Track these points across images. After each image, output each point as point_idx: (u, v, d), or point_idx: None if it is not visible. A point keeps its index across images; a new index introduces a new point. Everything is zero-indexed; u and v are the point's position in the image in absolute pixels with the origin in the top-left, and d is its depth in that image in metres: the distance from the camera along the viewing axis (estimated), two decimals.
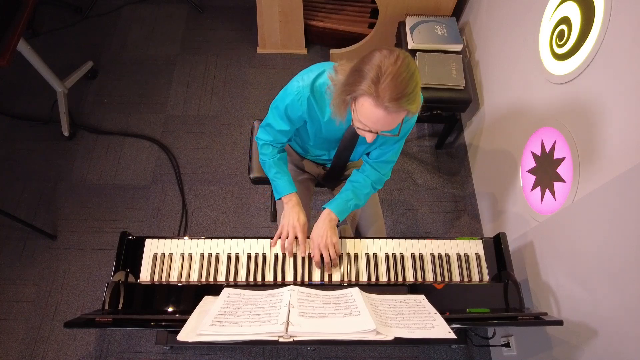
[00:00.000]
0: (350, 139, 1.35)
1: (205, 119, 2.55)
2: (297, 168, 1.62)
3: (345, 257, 1.38)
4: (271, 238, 1.40)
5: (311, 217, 1.51)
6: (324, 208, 1.39)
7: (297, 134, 1.47)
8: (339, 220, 1.38)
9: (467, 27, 2.36)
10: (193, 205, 2.29)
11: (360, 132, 1.13)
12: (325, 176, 1.62)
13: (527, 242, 1.61)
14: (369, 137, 1.12)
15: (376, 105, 0.99)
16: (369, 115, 1.03)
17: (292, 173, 1.61)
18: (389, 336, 0.98)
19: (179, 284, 1.30)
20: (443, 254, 1.39)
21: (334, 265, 1.35)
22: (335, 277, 1.35)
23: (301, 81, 1.21)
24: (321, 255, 1.34)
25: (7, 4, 1.97)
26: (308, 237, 1.39)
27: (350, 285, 1.23)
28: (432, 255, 1.39)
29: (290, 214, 1.37)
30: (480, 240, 1.42)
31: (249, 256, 1.37)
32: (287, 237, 1.36)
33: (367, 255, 1.38)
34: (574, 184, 1.39)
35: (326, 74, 1.18)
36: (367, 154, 1.45)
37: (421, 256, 1.39)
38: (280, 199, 1.42)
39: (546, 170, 1.56)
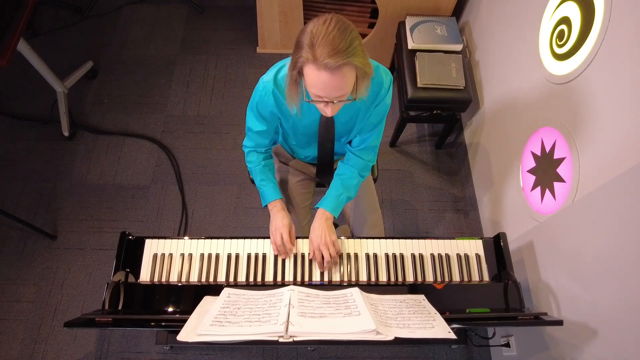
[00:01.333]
0: (326, 129, 1.35)
1: (205, 119, 2.55)
2: (294, 170, 1.63)
3: (345, 257, 1.38)
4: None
5: (313, 217, 1.51)
6: (317, 208, 1.40)
7: (282, 136, 1.48)
8: (334, 217, 1.39)
9: (467, 27, 2.36)
10: (193, 205, 2.29)
11: (318, 107, 1.14)
12: (317, 173, 1.62)
13: (527, 242, 1.61)
14: (328, 111, 1.12)
15: (317, 67, 0.99)
16: (315, 81, 1.03)
17: (291, 175, 1.61)
18: (389, 336, 0.98)
19: (179, 284, 1.30)
20: (443, 254, 1.39)
21: (335, 263, 1.35)
22: (335, 277, 1.35)
23: (265, 77, 1.24)
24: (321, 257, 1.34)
25: (7, 4, 1.97)
26: (306, 238, 1.39)
27: (350, 285, 1.23)
28: (432, 255, 1.39)
29: (275, 219, 1.38)
30: (480, 240, 1.42)
31: (249, 256, 1.37)
32: (277, 240, 1.36)
33: (367, 255, 1.38)
34: (574, 184, 1.39)
35: (287, 66, 1.19)
36: (350, 143, 1.45)
37: (421, 256, 1.39)
38: (266, 206, 1.43)
39: (546, 170, 1.56)
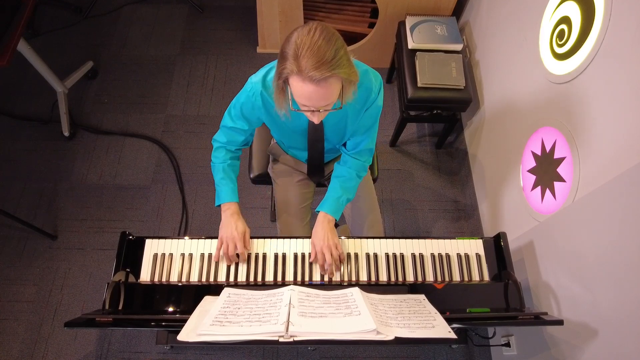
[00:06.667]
0: (314, 131, 1.35)
1: (206, 118, 2.55)
2: (293, 169, 1.62)
3: (345, 257, 1.38)
4: (272, 238, 1.40)
5: (314, 217, 1.51)
6: (318, 211, 1.40)
7: (277, 136, 1.48)
8: (335, 220, 1.39)
9: (467, 26, 2.36)
10: (193, 205, 2.29)
11: (306, 114, 1.14)
12: (308, 171, 1.62)
13: (527, 242, 1.61)
14: (315, 118, 1.13)
15: (302, 79, 1.00)
16: (301, 92, 1.03)
17: (291, 175, 1.61)
18: (389, 336, 0.98)
19: (179, 284, 1.30)
20: (443, 254, 1.39)
21: (337, 268, 1.34)
22: (336, 277, 1.35)
23: (254, 78, 1.24)
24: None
25: (7, 4, 1.97)
26: (308, 237, 1.39)
27: (350, 285, 1.23)
28: (432, 255, 1.39)
29: (228, 225, 1.35)
30: (481, 240, 1.42)
31: (249, 256, 1.37)
32: (228, 249, 1.32)
33: (367, 255, 1.38)
34: (574, 183, 1.39)
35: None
36: (344, 145, 1.45)
37: (421, 256, 1.39)
38: (219, 205, 1.40)
39: (546, 170, 1.56)
